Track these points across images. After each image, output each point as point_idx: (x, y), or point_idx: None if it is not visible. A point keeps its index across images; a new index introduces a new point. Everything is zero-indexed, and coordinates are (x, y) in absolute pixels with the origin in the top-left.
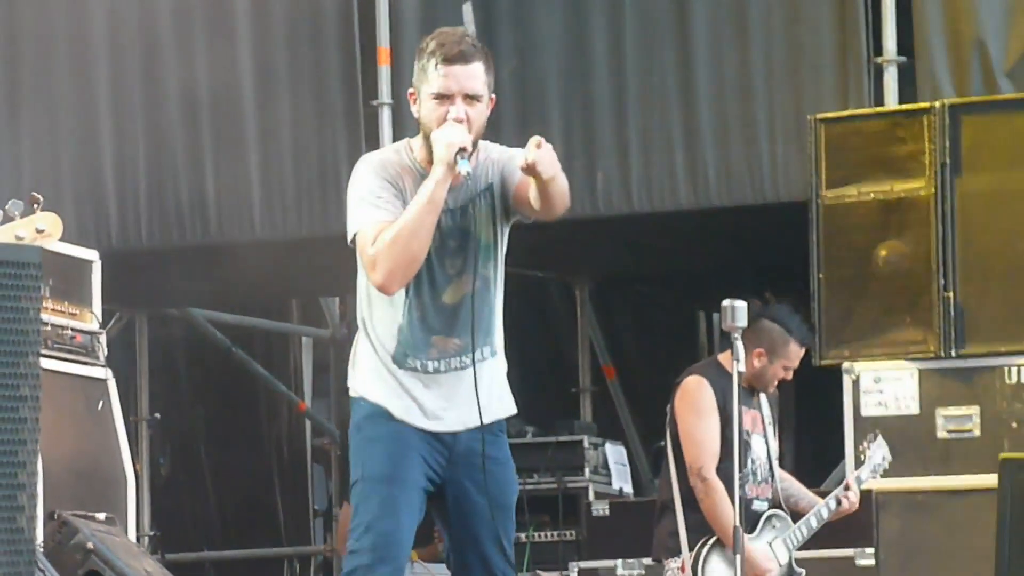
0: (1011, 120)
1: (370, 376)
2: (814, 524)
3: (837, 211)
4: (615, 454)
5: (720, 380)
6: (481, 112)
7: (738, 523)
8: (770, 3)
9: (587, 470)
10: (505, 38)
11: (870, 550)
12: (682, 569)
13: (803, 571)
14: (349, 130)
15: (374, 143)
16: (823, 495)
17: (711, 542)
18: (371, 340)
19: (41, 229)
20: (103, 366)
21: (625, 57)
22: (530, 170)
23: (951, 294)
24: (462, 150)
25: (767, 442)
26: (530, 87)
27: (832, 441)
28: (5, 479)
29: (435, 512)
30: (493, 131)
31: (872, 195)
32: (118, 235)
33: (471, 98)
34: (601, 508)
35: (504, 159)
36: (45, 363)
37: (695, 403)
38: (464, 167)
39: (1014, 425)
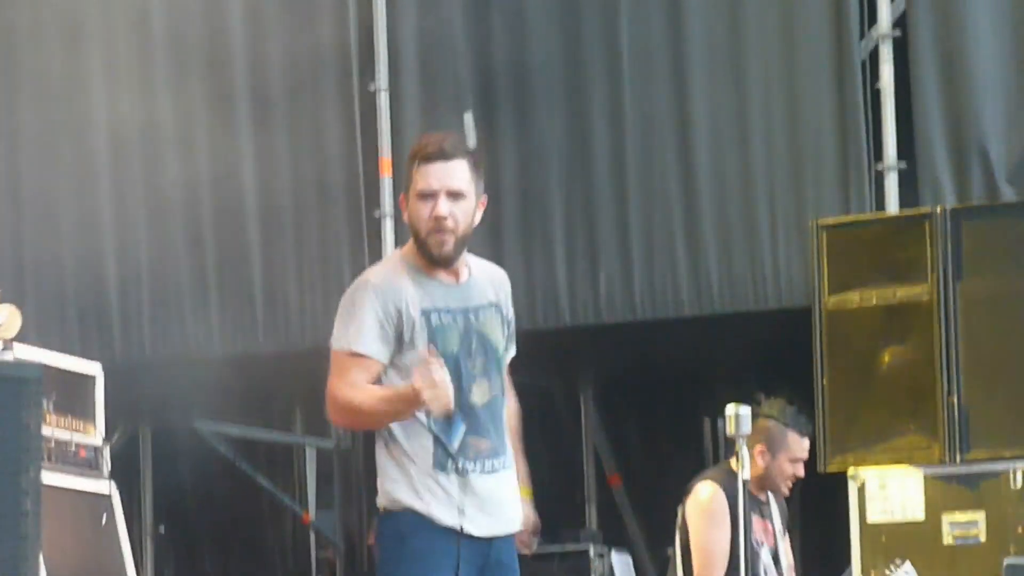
0: (1012, 225)
1: (408, 485)
2: None
3: (840, 316)
4: (621, 563)
5: (732, 486)
6: (467, 210)
7: None
8: (771, 108)
9: None
10: (507, 144)
11: None
12: None
13: None
14: (352, 241)
15: (377, 254)
16: None
17: None
18: (403, 450)
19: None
20: (107, 480)
21: (627, 162)
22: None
23: (955, 399)
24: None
25: (777, 553)
26: (532, 192)
27: (838, 547)
28: None
29: None
30: (495, 236)
31: (875, 300)
32: (121, 347)
33: (454, 195)
34: None
35: (501, 280)
36: (48, 478)
37: (707, 511)
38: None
39: (1020, 530)
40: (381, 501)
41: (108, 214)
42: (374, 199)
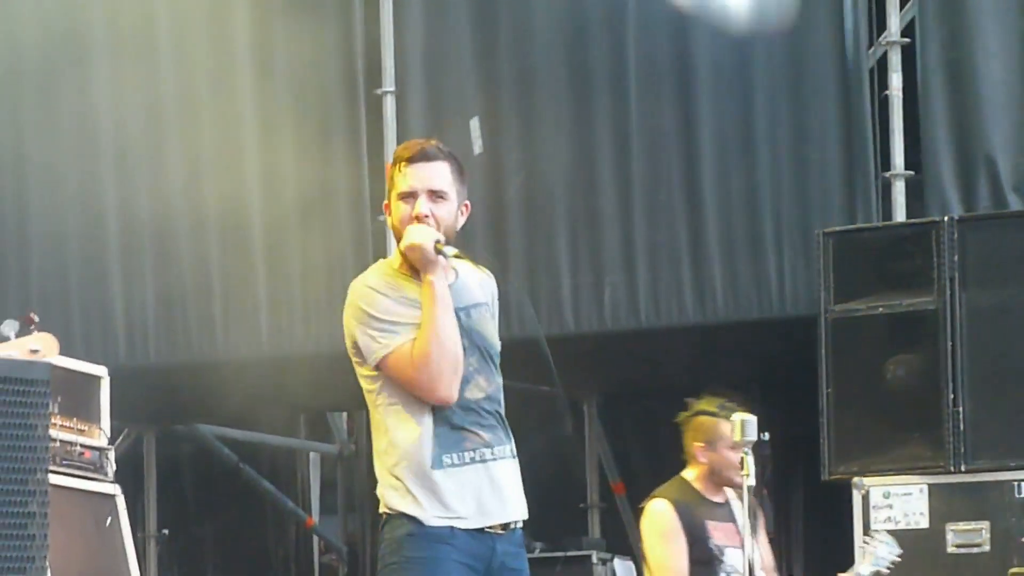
0: (1019, 235)
1: (403, 488)
2: None
3: (845, 325)
4: (624, 570)
5: (684, 498)
6: (448, 211)
7: None
8: (777, 117)
9: None
10: (512, 153)
11: None
12: None
13: None
14: (357, 246)
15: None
16: None
17: None
18: (399, 453)
19: (35, 350)
20: (112, 482)
21: (631, 172)
22: None
23: (960, 408)
24: (437, 242)
25: (750, 551)
26: (537, 202)
27: (841, 556)
28: None
29: None
30: (501, 246)
31: (880, 309)
32: (126, 351)
33: (436, 195)
34: None
35: (487, 280)
36: (54, 479)
37: (659, 529)
38: (450, 250)
39: (1023, 540)
40: (381, 506)
41: (113, 218)
42: (379, 204)
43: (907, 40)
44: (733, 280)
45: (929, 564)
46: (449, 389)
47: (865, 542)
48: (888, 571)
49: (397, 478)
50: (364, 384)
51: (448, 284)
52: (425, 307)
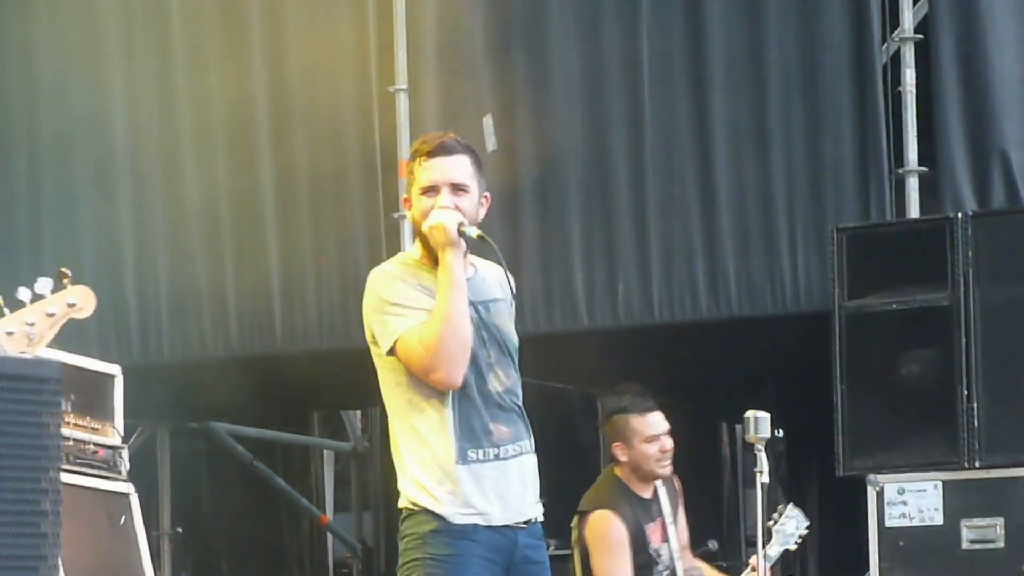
0: None
1: (424, 485)
2: None
3: (859, 321)
4: None
5: (626, 505)
6: (470, 204)
7: None
8: (791, 112)
9: None
10: (526, 148)
11: None
12: None
13: None
14: (370, 243)
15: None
16: None
17: None
18: (420, 448)
19: (72, 303)
20: (125, 480)
21: (646, 167)
22: None
23: (974, 404)
24: (460, 224)
25: (770, 557)
26: (550, 197)
27: (856, 552)
28: None
29: None
30: (514, 240)
31: (894, 305)
32: (139, 349)
33: (458, 188)
34: None
35: (503, 278)
36: (67, 478)
37: (607, 541)
38: (472, 231)
39: None
40: (402, 501)
41: (127, 215)
42: (392, 201)
43: (920, 36)
44: (747, 276)
45: (944, 561)
46: (454, 372)
47: (773, 520)
48: (796, 546)
49: (420, 473)
50: (384, 376)
51: (467, 278)
52: (440, 288)
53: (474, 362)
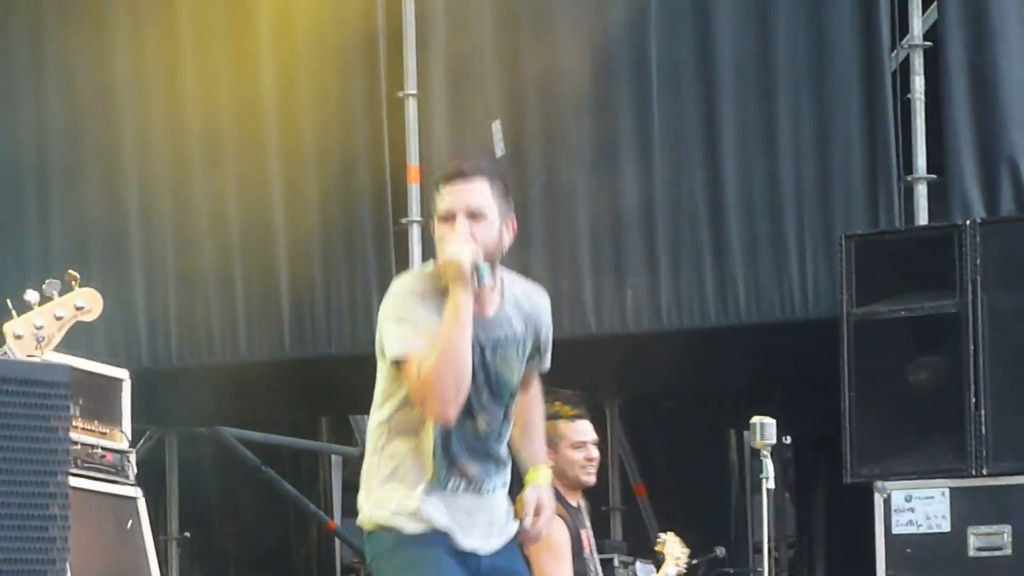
0: None
1: (392, 504)
2: None
3: (867, 328)
4: (646, 573)
5: (564, 510)
6: (488, 230)
7: None
8: (800, 120)
9: None
10: (534, 154)
11: None
12: None
13: None
14: (378, 248)
15: (404, 262)
16: None
17: None
18: (394, 465)
19: (80, 306)
20: (133, 485)
21: (654, 173)
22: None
23: (982, 411)
24: (475, 266)
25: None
26: (559, 203)
27: (863, 559)
28: None
29: None
30: (523, 246)
31: (902, 312)
32: (148, 354)
33: (474, 215)
34: None
35: (536, 314)
36: (75, 482)
37: (550, 546)
38: (487, 279)
39: None
40: (363, 520)
41: (135, 220)
42: (401, 206)
43: (930, 43)
44: (755, 282)
45: (951, 568)
46: (445, 407)
47: (660, 541)
48: (685, 568)
49: (384, 494)
50: (382, 382)
51: (490, 315)
52: (444, 324)
53: (466, 400)
